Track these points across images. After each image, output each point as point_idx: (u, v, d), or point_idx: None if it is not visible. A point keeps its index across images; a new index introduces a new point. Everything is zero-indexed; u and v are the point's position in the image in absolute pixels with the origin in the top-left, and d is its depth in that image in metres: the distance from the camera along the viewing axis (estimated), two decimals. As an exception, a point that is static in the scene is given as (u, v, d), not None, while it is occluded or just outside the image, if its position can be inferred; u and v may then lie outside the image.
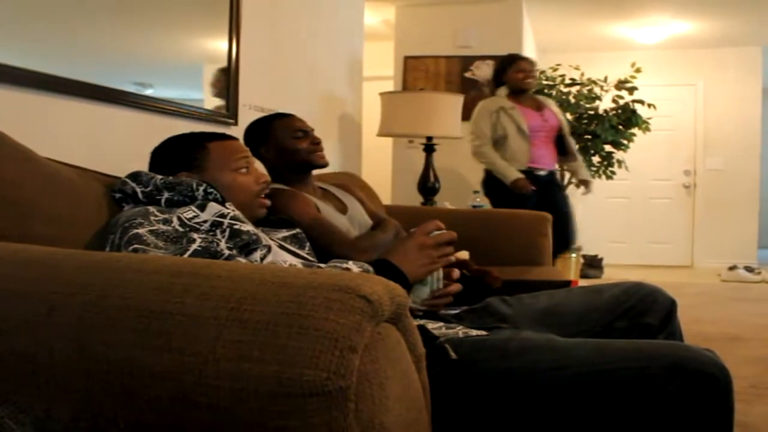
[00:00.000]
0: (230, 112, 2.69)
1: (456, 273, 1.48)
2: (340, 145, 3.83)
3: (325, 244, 1.93)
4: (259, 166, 2.27)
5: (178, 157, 1.62)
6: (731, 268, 6.56)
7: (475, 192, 3.95)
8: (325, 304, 0.74)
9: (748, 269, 6.53)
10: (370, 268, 1.29)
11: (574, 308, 1.58)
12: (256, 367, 0.70)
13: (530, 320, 1.53)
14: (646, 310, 1.56)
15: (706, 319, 4.33)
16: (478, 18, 5.54)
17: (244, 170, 1.64)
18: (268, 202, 1.68)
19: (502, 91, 4.11)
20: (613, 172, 6.01)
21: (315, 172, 2.28)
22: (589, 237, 7.64)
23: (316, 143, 2.22)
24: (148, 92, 2.20)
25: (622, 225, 7.82)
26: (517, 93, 4.08)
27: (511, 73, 4.09)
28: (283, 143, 2.19)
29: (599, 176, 6.02)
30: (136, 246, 1.26)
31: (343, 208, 2.27)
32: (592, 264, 6.35)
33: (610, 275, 6.53)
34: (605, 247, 7.40)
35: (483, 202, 3.93)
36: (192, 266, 0.83)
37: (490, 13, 5.54)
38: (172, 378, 0.72)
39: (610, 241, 7.69)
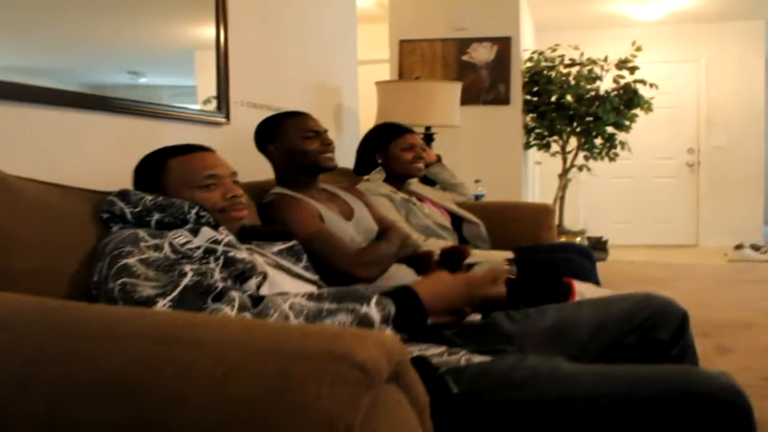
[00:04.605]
0: (222, 110, 2.60)
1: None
2: (337, 136, 3.75)
3: (326, 258, 1.89)
4: (253, 165, 2.22)
5: (144, 177, 1.58)
6: (737, 247, 6.49)
7: (477, 181, 3.87)
8: (317, 378, 0.67)
9: (755, 248, 6.46)
10: (392, 310, 1.23)
11: (584, 325, 1.52)
12: (242, 453, 0.64)
13: (537, 340, 1.47)
14: (657, 324, 1.51)
15: (713, 305, 4.26)
16: (473, -2, 5.42)
17: (209, 186, 1.56)
18: (241, 214, 1.60)
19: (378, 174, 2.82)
20: (616, 154, 5.93)
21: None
22: (593, 218, 7.58)
23: (327, 144, 2.18)
24: (142, 81, 2.18)
25: (626, 205, 7.75)
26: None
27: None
28: (293, 142, 2.17)
29: (602, 158, 5.95)
30: (125, 280, 1.20)
31: (349, 213, 2.21)
32: (597, 246, 6.28)
33: (616, 256, 6.48)
34: (610, 227, 7.36)
35: (484, 191, 3.85)
36: (174, 329, 0.76)
37: (486, -7, 5.42)
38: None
39: (614, 221, 7.64)
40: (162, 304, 1.14)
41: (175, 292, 1.17)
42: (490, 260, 2.49)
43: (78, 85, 1.92)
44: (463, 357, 1.26)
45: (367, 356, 0.71)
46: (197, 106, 2.53)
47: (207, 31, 2.54)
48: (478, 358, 1.25)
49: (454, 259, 2.22)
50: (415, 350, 1.28)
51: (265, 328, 0.79)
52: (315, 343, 0.72)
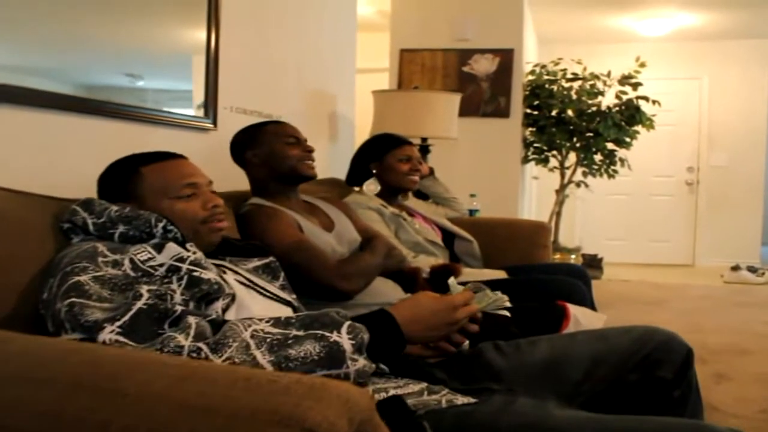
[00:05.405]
0: (209, 115, 2.48)
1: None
2: (330, 145, 3.65)
3: (306, 270, 1.79)
4: (238, 173, 2.12)
5: (114, 186, 1.47)
6: (734, 268, 6.38)
7: (472, 195, 3.77)
8: (257, 447, 0.56)
9: (751, 269, 6.36)
10: (365, 337, 1.09)
11: (579, 360, 1.39)
12: None
13: (527, 377, 1.35)
14: (660, 361, 1.39)
15: (708, 328, 4.15)
16: (476, 9, 5.32)
17: (187, 196, 1.45)
18: (222, 225, 1.50)
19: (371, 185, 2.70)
20: (615, 171, 5.83)
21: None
22: (589, 235, 7.47)
23: (308, 152, 2.11)
24: (140, 84, 2.13)
25: (622, 223, 7.64)
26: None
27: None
28: (273, 147, 2.09)
29: (601, 175, 5.85)
30: (73, 300, 1.09)
31: (329, 225, 2.11)
32: (592, 264, 6.16)
33: (610, 275, 6.37)
34: (605, 245, 7.24)
35: (479, 205, 3.75)
36: (96, 375, 0.65)
37: (489, 4, 5.32)
38: None
39: (610, 238, 7.53)
40: (110, 330, 1.03)
41: (126, 317, 1.06)
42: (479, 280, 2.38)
43: (74, 85, 1.86)
44: (444, 397, 1.14)
45: (321, 419, 0.60)
46: (191, 111, 2.45)
47: (204, 36, 2.46)
48: (461, 399, 1.13)
49: (443, 277, 2.11)
50: (392, 387, 1.16)
51: (204, 376, 0.67)
52: (261, 399, 0.61)
